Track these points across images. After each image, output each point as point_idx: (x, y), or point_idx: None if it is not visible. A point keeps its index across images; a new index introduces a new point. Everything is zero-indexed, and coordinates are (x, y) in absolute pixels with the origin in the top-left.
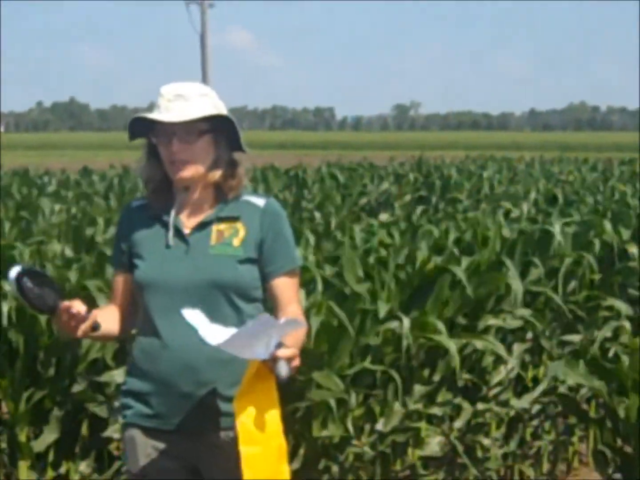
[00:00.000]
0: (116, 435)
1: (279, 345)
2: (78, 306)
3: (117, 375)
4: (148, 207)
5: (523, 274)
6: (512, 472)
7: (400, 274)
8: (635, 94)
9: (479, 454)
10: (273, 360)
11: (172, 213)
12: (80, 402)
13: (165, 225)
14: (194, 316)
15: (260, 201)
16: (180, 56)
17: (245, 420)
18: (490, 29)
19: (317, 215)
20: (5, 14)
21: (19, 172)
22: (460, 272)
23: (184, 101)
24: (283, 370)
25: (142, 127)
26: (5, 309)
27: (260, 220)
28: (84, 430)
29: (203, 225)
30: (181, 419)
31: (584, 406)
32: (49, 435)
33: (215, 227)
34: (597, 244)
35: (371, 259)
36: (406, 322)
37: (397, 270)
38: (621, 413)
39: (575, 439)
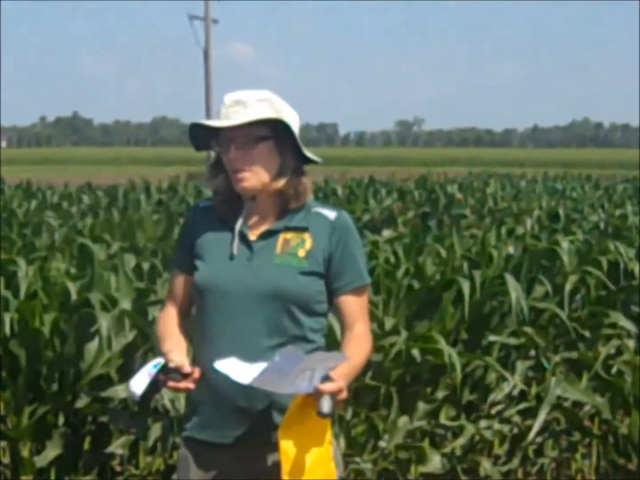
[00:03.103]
0: (119, 451)
1: (325, 378)
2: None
3: (121, 391)
4: (215, 210)
5: (528, 291)
6: None
7: (408, 287)
8: (638, 111)
9: (482, 471)
10: (318, 394)
11: (240, 220)
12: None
13: (231, 230)
14: (224, 366)
15: (331, 214)
16: (184, 71)
17: (290, 452)
18: (493, 45)
19: None
20: (11, 28)
21: (21, 186)
22: (465, 284)
23: (242, 107)
24: (325, 406)
25: (207, 137)
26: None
27: (329, 234)
28: (87, 445)
29: (270, 234)
30: (238, 432)
31: (587, 423)
32: (52, 451)
33: (282, 236)
34: (602, 261)
35: (378, 272)
36: (404, 334)
37: (404, 283)
38: (624, 430)
39: (578, 455)
